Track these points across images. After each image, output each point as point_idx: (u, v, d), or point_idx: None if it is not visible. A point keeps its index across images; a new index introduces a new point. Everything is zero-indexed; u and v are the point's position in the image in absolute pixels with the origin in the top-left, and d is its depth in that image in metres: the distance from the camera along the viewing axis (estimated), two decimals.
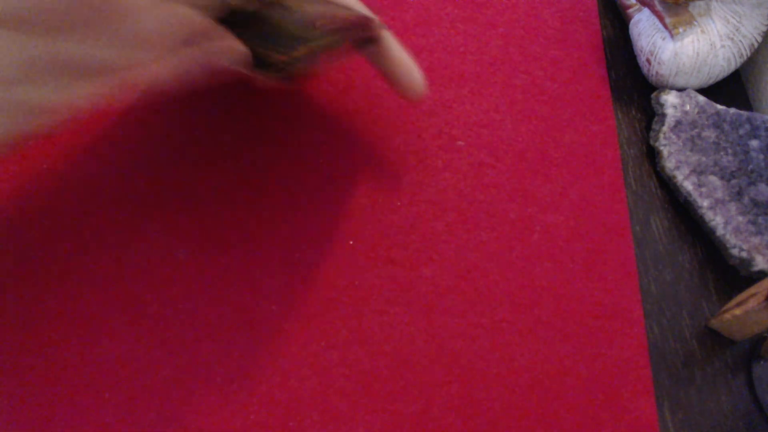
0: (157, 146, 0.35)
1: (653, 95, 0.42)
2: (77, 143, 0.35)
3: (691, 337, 0.34)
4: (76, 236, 0.32)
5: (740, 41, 0.41)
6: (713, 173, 0.38)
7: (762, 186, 0.38)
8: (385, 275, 0.33)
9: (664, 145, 0.39)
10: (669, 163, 0.38)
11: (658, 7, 0.41)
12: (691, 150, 0.39)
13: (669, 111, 0.40)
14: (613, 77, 0.44)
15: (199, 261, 0.32)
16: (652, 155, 0.40)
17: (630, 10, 0.46)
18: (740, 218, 0.36)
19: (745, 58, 0.42)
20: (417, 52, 0.42)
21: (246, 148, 0.36)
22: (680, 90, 0.42)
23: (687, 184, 0.37)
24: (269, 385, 0.29)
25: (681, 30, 0.41)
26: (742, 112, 0.41)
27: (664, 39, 0.41)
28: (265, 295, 0.31)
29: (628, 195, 0.38)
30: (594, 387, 0.31)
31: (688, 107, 0.40)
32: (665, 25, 0.41)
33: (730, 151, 0.39)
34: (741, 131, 0.40)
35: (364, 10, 0.31)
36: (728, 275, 0.36)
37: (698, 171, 0.38)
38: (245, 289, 0.31)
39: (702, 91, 0.43)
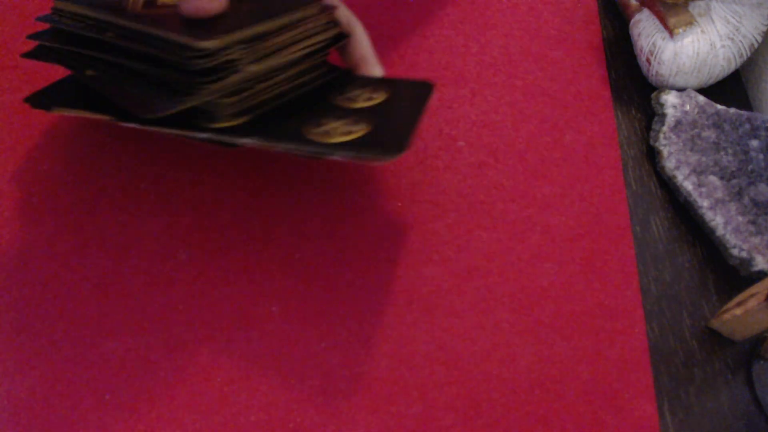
0: (157, 146, 0.36)
1: (653, 95, 0.42)
2: (77, 143, 0.35)
3: (691, 337, 0.34)
4: (76, 236, 0.32)
5: (740, 41, 0.41)
6: (713, 173, 0.38)
7: (762, 186, 0.38)
8: (385, 275, 0.33)
9: (664, 145, 0.39)
10: (669, 163, 0.38)
11: (659, 7, 0.41)
12: (691, 150, 0.39)
13: (669, 111, 0.40)
14: (613, 77, 0.44)
15: (199, 261, 0.32)
16: (652, 155, 0.40)
17: (630, 10, 0.46)
18: (740, 218, 0.36)
19: (745, 58, 0.42)
20: (417, 51, 0.42)
21: (246, 148, 0.36)
22: (680, 90, 0.42)
23: (687, 184, 0.37)
24: (269, 385, 0.29)
25: (681, 30, 0.41)
26: (742, 112, 0.41)
27: (664, 39, 0.41)
28: (265, 295, 0.31)
29: (628, 195, 0.38)
30: (594, 387, 0.31)
31: (688, 107, 0.40)
32: (665, 25, 0.41)
33: (730, 151, 0.39)
34: (741, 131, 0.40)
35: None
36: (728, 275, 0.36)
37: (698, 171, 0.38)
38: (245, 289, 0.31)
39: (702, 91, 0.43)
